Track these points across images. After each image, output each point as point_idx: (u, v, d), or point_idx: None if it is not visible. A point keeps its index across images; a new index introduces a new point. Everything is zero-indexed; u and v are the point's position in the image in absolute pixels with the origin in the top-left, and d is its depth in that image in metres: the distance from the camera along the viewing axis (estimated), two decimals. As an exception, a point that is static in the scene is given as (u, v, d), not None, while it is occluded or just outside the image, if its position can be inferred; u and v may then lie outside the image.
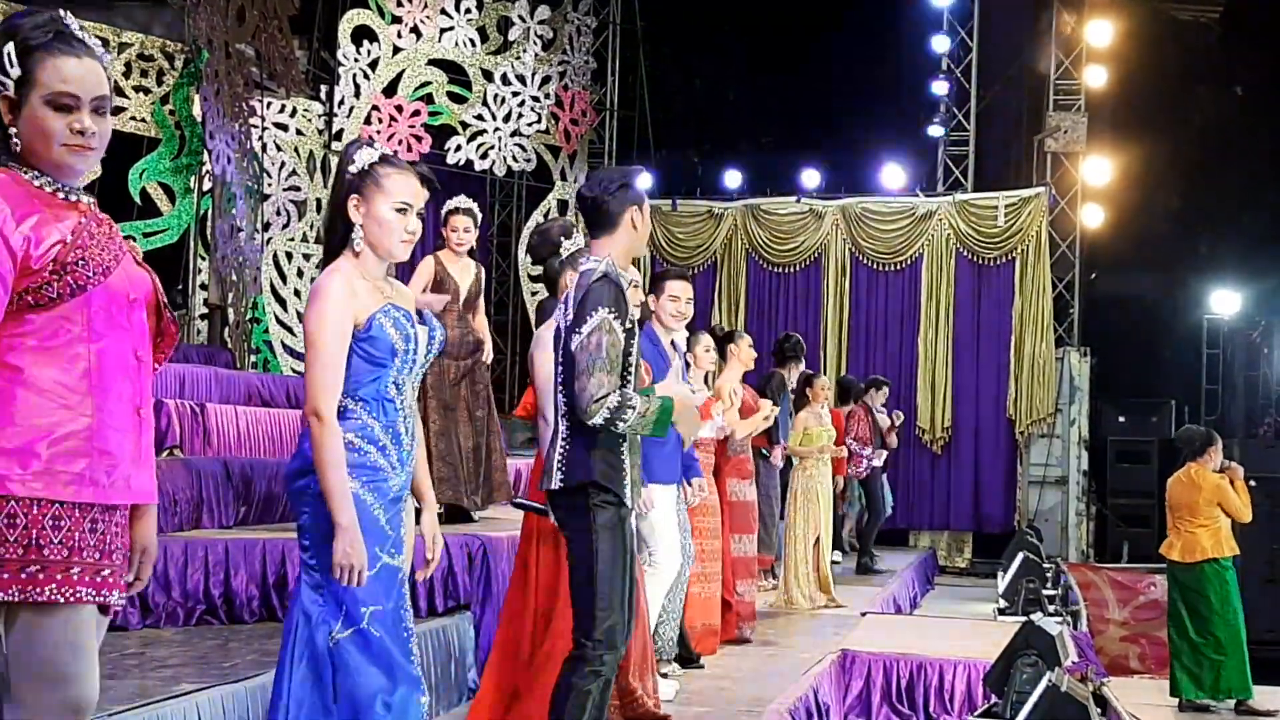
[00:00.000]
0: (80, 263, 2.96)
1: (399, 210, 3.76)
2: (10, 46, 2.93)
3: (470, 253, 8.01)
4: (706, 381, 8.10)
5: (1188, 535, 10.34)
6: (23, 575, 2.85)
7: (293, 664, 3.64)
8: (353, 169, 3.76)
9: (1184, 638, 10.48)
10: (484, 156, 14.83)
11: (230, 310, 12.02)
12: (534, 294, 15.14)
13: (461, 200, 7.94)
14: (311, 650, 3.63)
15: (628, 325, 4.36)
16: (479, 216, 8.02)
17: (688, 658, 7.42)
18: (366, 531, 3.63)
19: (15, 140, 2.97)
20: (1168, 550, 10.54)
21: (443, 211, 7.97)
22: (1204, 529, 10.28)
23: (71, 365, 2.94)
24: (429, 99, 14.52)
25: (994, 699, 7.30)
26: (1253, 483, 11.16)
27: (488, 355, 8.12)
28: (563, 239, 5.81)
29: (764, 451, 10.25)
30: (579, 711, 4.36)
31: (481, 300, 8.11)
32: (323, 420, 3.59)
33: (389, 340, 3.68)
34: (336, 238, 3.78)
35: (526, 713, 5.25)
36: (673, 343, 6.82)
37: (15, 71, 2.94)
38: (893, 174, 16.45)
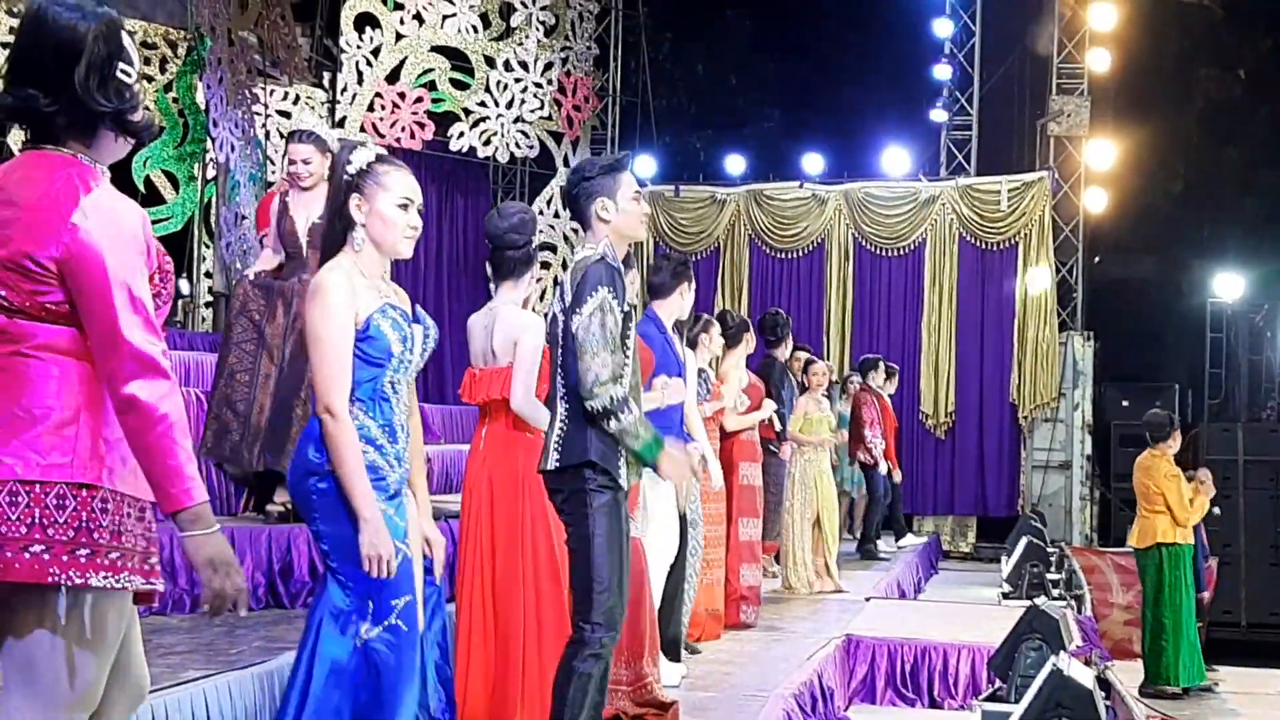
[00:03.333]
0: (170, 270, 3.01)
1: (401, 206, 3.81)
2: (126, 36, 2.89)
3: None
4: (712, 366, 8.10)
5: (1143, 520, 10.35)
6: (108, 561, 2.79)
7: (315, 663, 3.65)
8: (351, 169, 3.80)
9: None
10: (487, 143, 14.81)
11: (234, 298, 12.01)
12: (538, 280, 15.12)
13: (301, 122, 6.99)
14: (337, 650, 3.65)
15: (625, 309, 4.41)
16: (328, 141, 6.86)
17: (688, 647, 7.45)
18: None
19: (143, 128, 2.92)
20: (1130, 537, 10.56)
21: None
22: (1160, 514, 10.25)
23: None
24: (432, 86, 14.50)
25: (998, 683, 7.32)
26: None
27: None
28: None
29: (772, 448, 10.28)
30: (582, 695, 4.39)
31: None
32: (336, 417, 3.62)
33: (386, 341, 3.72)
34: (336, 237, 3.82)
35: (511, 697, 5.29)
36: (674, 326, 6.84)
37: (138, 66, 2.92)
38: (896, 158, 16.42)
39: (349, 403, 3.68)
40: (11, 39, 11.25)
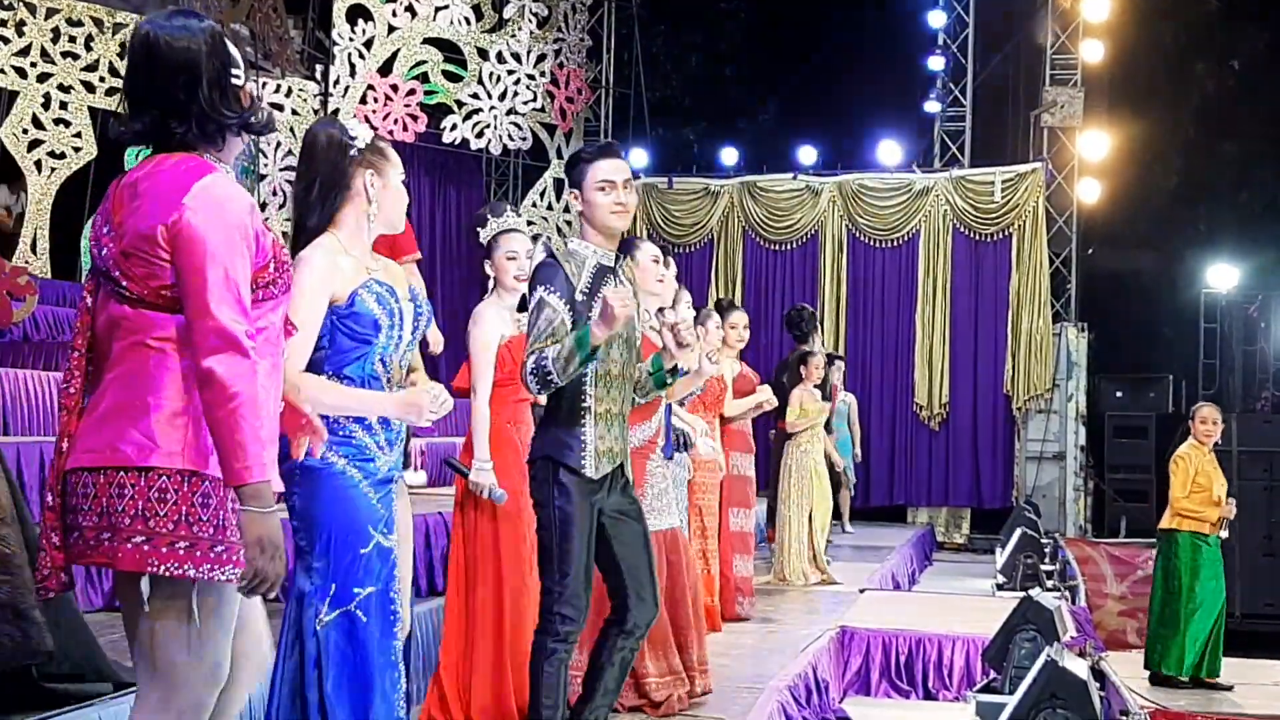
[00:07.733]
0: (288, 261, 3.15)
1: (404, 182, 3.92)
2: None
3: None
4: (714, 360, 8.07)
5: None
6: (212, 554, 2.92)
7: (286, 650, 3.66)
8: (359, 144, 3.81)
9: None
10: (480, 135, 14.79)
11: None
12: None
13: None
14: (299, 634, 3.64)
15: (578, 297, 4.43)
16: None
17: None
18: (359, 508, 3.65)
19: (265, 127, 3.13)
20: None
21: None
22: (1173, 500, 10.22)
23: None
24: (424, 78, 14.48)
25: (993, 674, 7.33)
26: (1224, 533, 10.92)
27: None
28: (490, 217, 5.73)
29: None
30: (556, 687, 4.39)
31: None
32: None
33: (371, 314, 3.69)
34: (323, 216, 3.79)
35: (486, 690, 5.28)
36: (660, 310, 6.76)
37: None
38: (889, 150, 16.41)
39: (339, 380, 3.68)
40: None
